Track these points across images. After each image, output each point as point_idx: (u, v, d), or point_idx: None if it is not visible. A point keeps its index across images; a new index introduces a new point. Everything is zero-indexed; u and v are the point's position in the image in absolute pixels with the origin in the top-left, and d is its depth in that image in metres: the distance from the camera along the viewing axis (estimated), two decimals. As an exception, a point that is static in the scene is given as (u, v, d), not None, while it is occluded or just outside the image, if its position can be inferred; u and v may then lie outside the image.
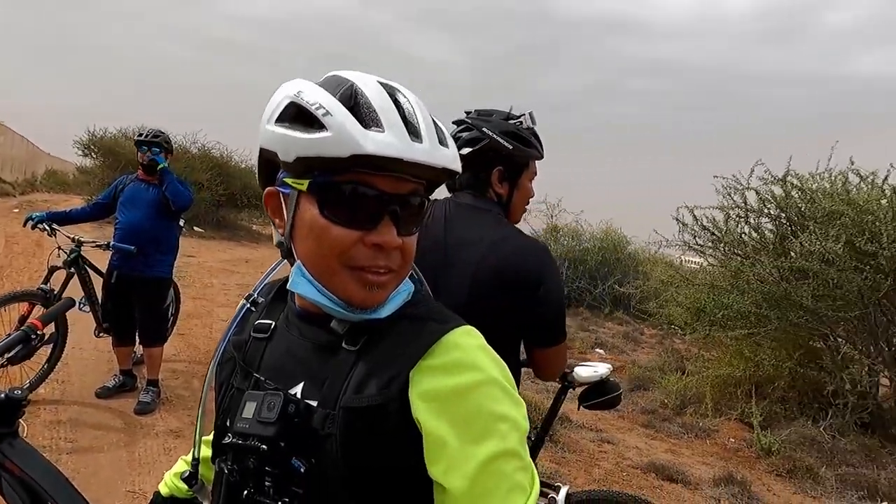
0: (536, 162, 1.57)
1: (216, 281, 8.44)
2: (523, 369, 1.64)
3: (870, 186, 5.08)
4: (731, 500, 3.58)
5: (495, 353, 0.72)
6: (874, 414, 4.95)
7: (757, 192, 5.39)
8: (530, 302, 1.42)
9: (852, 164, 5.24)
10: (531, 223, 11.72)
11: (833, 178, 5.32)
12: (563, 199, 11.50)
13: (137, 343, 4.02)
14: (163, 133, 3.87)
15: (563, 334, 1.52)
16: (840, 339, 5.29)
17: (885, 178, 5.00)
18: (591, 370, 1.82)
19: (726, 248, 5.65)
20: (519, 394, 0.72)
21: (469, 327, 0.72)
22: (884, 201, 4.75)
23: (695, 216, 5.77)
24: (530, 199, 1.60)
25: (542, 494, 1.86)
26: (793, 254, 4.93)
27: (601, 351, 7.60)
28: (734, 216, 5.58)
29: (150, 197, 3.76)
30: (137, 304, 3.79)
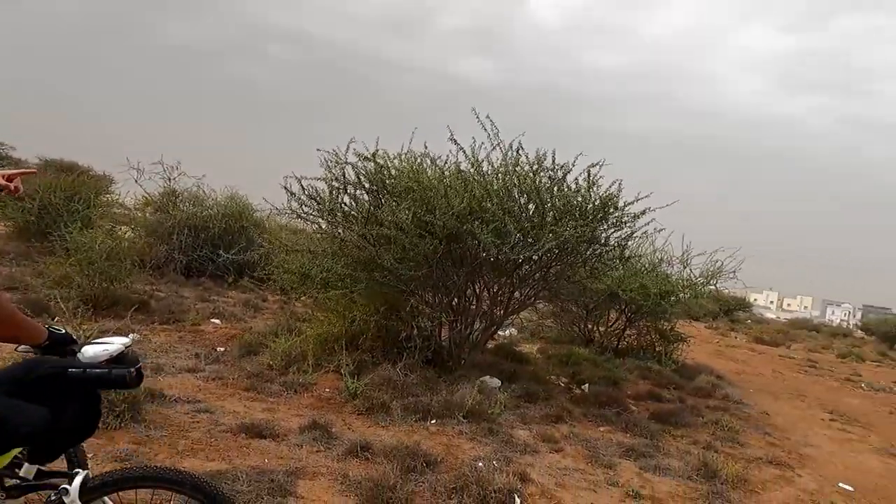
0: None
1: None
2: None
3: (436, 169, 6.21)
4: (312, 444, 3.97)
5: None
6: (436, 351, 6.18)
7: (353, 167, 6.01)
8: None
9: (426, 148, 6.33)
10: (145, 187, 10.57)
11: (413, 159, 6.32)
12: (184, 161, 10.71)
13: None
14: None
15: None
16: (416, 294, 6.40)
17: (446, 162, 6.19)
18: (100, 348, 1.66)
19: (328, 217, 6.15)
20: None
21: None
22: (445, 181, 5.89)
23: (302, 186, 6.10)
24: None
25: (52, 486, 1.67)
26: (385, 222, 5.68)
27: (217, 321, 7.43)
28: (335, 187, 6.11)
29: None
30: None
